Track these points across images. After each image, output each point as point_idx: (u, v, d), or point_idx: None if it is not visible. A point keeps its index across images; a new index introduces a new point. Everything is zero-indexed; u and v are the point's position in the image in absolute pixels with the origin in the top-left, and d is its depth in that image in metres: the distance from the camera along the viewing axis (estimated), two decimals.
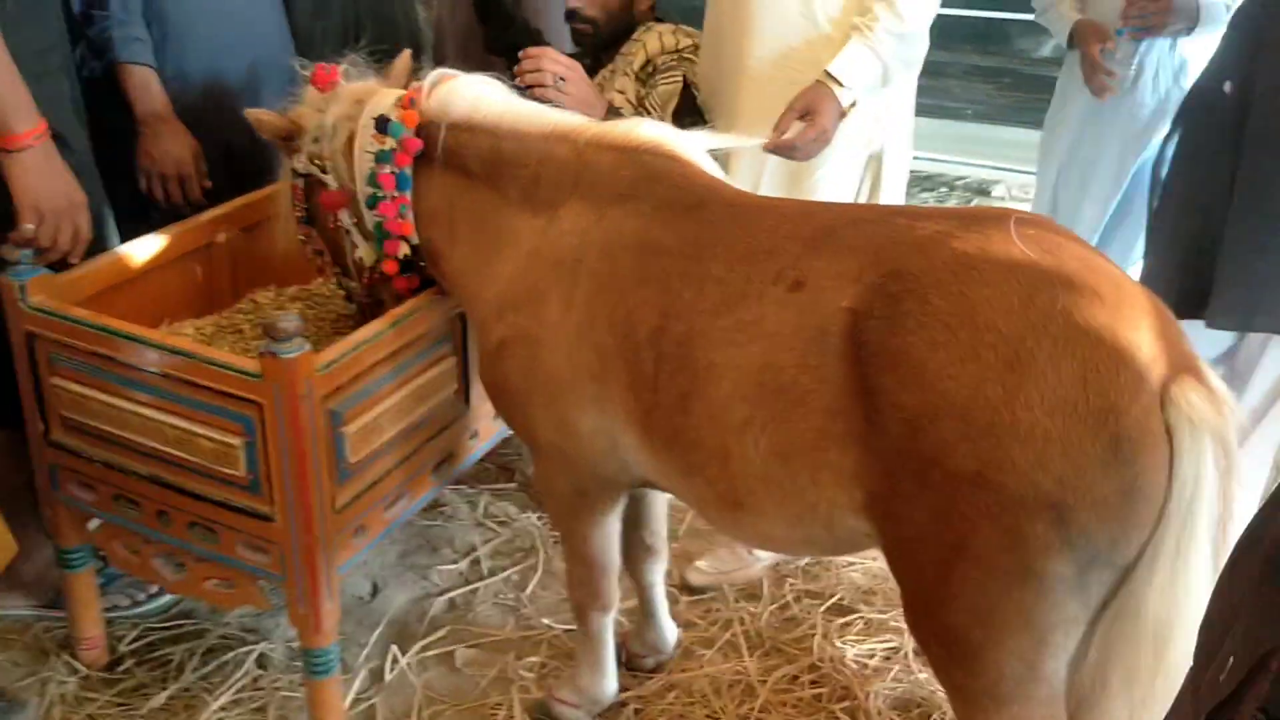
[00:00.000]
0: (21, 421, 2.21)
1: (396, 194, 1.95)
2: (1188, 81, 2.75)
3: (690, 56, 2.54)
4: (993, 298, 1.43)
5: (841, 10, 2.28)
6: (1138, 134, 2.92)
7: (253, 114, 2.04)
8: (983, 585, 1.46)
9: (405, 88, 2.04)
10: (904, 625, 2.39)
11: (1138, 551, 1.42)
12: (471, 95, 1.95)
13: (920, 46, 2.32)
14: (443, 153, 1.94)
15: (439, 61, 2.72)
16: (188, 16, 2.37)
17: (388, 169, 1.93)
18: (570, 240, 1.82)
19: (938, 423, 1.44)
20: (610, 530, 2.05)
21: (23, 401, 2.10)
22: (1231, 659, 0.69)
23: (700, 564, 2.63)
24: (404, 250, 2.01)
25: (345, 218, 2.03)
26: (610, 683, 2.21)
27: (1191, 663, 0.77)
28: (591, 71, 2.57)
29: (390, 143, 1.92)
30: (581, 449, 1.89)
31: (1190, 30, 2.78)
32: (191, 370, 1.88)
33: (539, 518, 2.84)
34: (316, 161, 2.02)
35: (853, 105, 2.24)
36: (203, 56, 2.41)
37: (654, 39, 2.55)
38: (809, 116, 2.17)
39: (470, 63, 2.22)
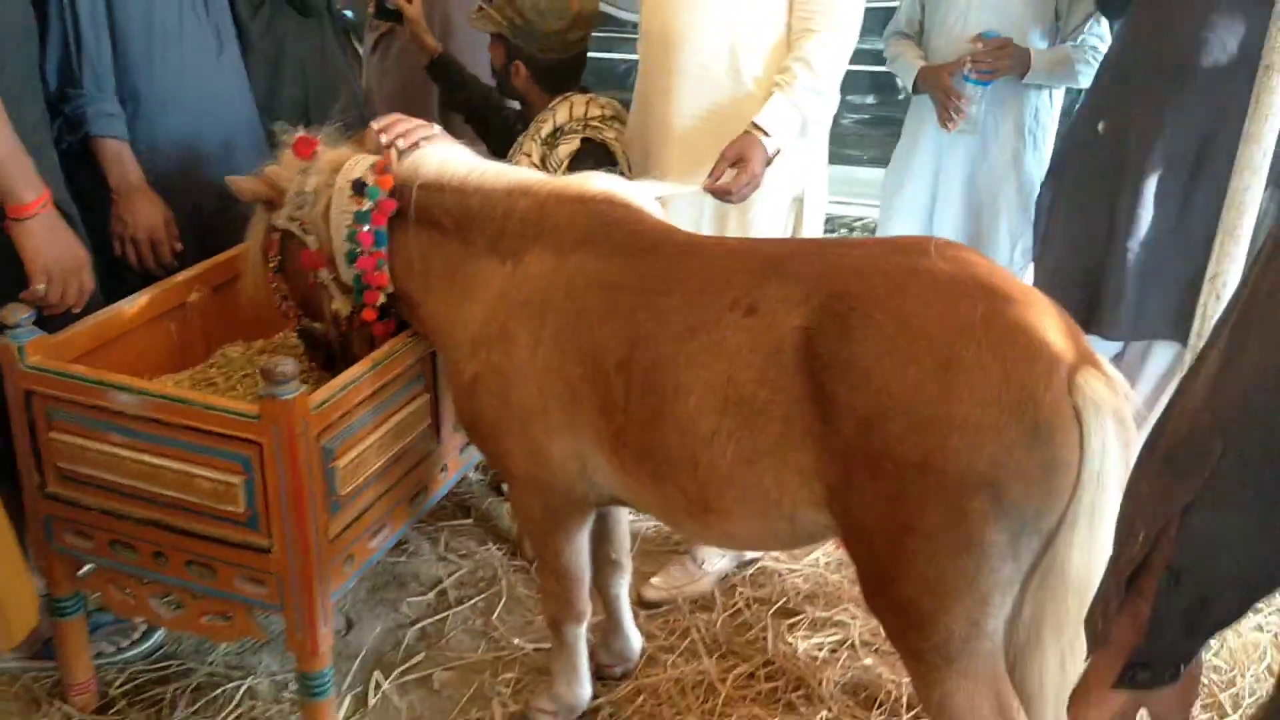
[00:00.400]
0: (10, 480, 2.32)
1: (374, 250, 2.14)
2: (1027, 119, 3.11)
3: (597, 124, 2.73)
4: (924, 310, 1.68)
5: (764, 71, 2.54)
6: (988, 166, 3.20)
7: (233, 181, 2.21)
8: (931, 558, 1.69)
9: (377, 154, 2.23)
10: (848, 620, 2.65)
11: (1059, 518, 1.67)
12: (439, 158, 2.16)
13: (833, 100, 2.59)
14: (415, 211, 2.13)
15: None
16: (160, 93, 2.52)
17: (366, 228, 2.12)
18: (537, 283, 2.03)
19: (886, 420, 1.67)
20: (581, 546, 2.24)
21: (18, 458, 2.21)
22: (1141, 534, 0.92)
23: (655, 580, 2.83)
24: (381, 300, 2.19)
25: (324, 275, 2.21)
26: (585, 689, 2.39)
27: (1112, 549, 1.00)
28: (516, 135, 2.82)
29: (367, 204, 2.11)
30: (554, 473, 2.08)
31: (1021, 75, 3.05)
32: (191, 416, 2.03)
33: (499, 549, 3.01)
34: (296, 222, 2.19)
35: (778, 153, 2.49)
36: (174, 129, 2.56)
37: (565, 109, 2.74)
38: (740, 163, 2.42)
39: None
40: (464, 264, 2.14)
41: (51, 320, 2.21)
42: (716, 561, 2.87)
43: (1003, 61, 3.05)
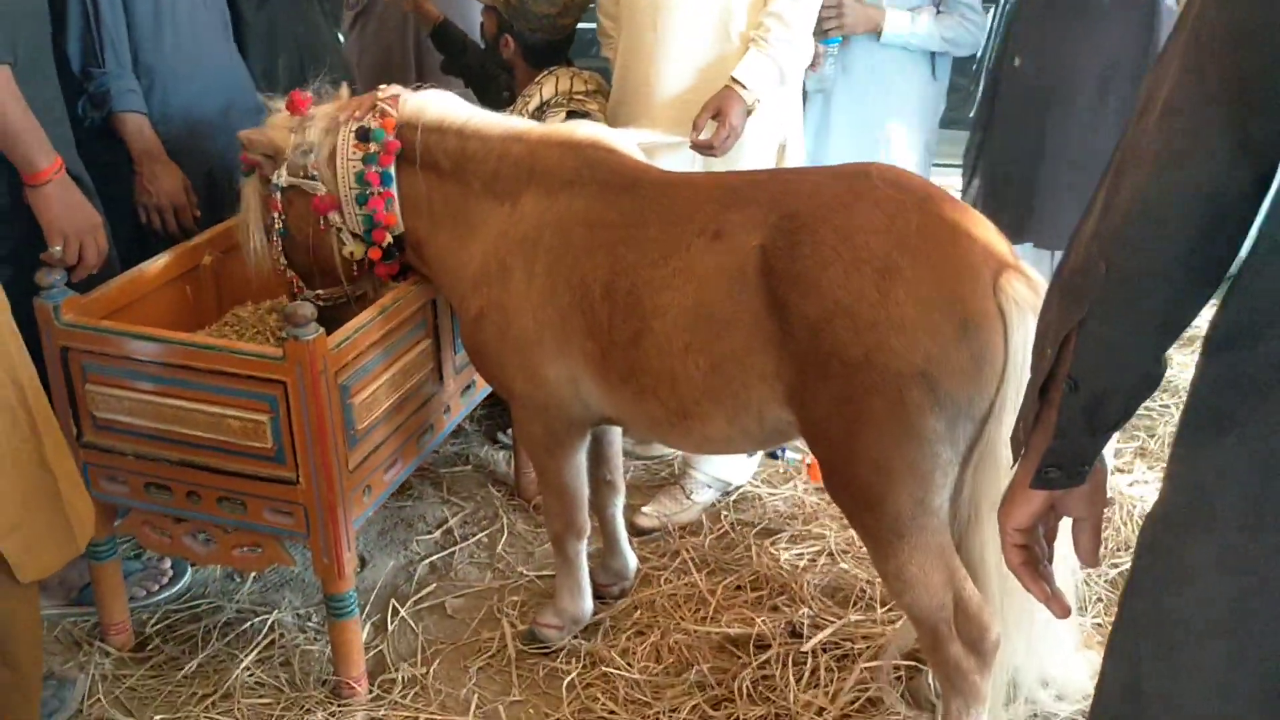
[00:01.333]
0: None
1: (382, 189, 2.34)
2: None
3: (581, 98, 2.91)
4: (864, 225, 1.91)
5: (749, 26, 2.73)
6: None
7: (245, 134, 2.38)
8: (878, 445, 1.92)
9: (360, 106, 2.42)
10: (824, 532, 2.88)
11: (989, 405, 1.90)
12: (439, 105, 2.37)
13: (808, 49, 2.81)
14: (419, 153, 2.34)
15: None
16: (168, 66, 2.72)
17: (374, 168, 2.32)
18: (530, 221, 2.25)
19: (833, 324, 1.90)
20: (579, 465, 2.46)
21: (56, 410, 2.40)
22: (1047, 350, 1.15)
23: (646, 509, 3.06)
24: (388, 239, 2.39)
25: (335, 218, 2.40)
26: (587, 602, 2.61)
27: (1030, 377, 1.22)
28: (507, 103, 3.02)
29: (374, 147, 2.31)
30: (550, 395, 2.31)
31: (877, 35, 3.13)
32: (221, 361, 2.23)
33: (498, 491, 3.23)
34: (303, 174, 2.38)
35: (756, 103, 2.70)
36: (184, 101, 2.76)
37: (550, 84, 2.93)
38: (720, 117, 2.64)
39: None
40: (465, 205, 2.35)
41: (79, 285, 2.41)
42: (703, 492, 3.10)
43: (841, 19, 3.10)
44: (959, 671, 1.99)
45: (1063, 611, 1.28)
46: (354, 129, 2.33)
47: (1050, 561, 1.30)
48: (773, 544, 2.90)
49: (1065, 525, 1.27)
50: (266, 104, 2.50)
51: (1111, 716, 1.25)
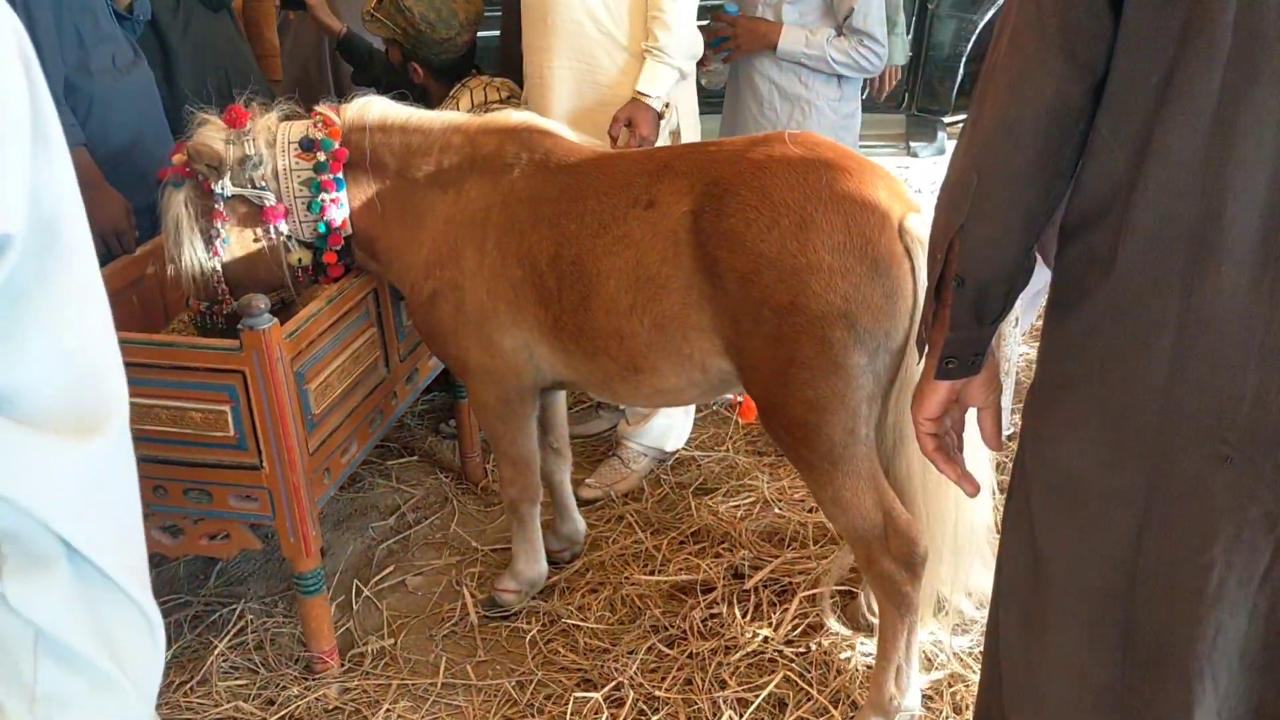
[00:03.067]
0: None
1: (336, 194, 2.47)
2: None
3: (498, 106, 3.04)
4: (780, 183, 2.11)
5: (629, 25, 2.89)
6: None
7: (191, 145, 2.44)
8: (809, 382, 2.11)
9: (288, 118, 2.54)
10: (756, 484, 3.08)
11: (904, 337, 2.11)
12: (379, 107, 2.51)
13: (697, 42, 3.00)
14: (367, 153, 2.47)
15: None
16: (107, 95, 2.81)
17: (326, 176, 2.45)
18: (477, 204, 2.40)
19: (760, 274, 2.09)
20: (530, 433, 2.62)
21: None
22: (937, 255, 1.35)
23: (589, 481, 3.22)
24: (342, 242, 2.52)
25: (284, 228, 2.52)
26: (543, 565, 2.77)
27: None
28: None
29: (322, 155, 2.44)
30: (506, 363, 2.46)
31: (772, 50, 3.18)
32: (180, 356, 2.35)
33: (446, 477, 3.36)
34: (250, 185, 2.48)
35: (666, 107, 2.89)
36: (121, 126, 2.85)
37: (466, 98, 3.09)
38: (632, 126, 2.82)
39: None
40: (412, 197, 2.49)
41: None
42: (640, 461, 3.27)
43: (736, 40, 3.21)
44: (892, 584, 2.19)
45: (973, 489, 1.48)
46: (296, 140, 2.46)
47: (961, 450, 1.50)
48: (710, 499, 3.09)
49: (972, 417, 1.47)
50: (201, 117, 2.58)
51: (1010, 576, 1.45)
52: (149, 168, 2.78)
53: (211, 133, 2.49)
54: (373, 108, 2.51)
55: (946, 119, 5.09)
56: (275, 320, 2.32)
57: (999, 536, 1.50)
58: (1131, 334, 1.20)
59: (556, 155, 2.41)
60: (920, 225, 2.08)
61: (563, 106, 2.98)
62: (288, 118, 2.55)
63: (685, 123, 3.08)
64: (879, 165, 2.21)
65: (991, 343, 1.41)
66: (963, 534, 2.26)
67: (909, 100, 4.85)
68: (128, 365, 2.34)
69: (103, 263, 2.83)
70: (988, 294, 1.33)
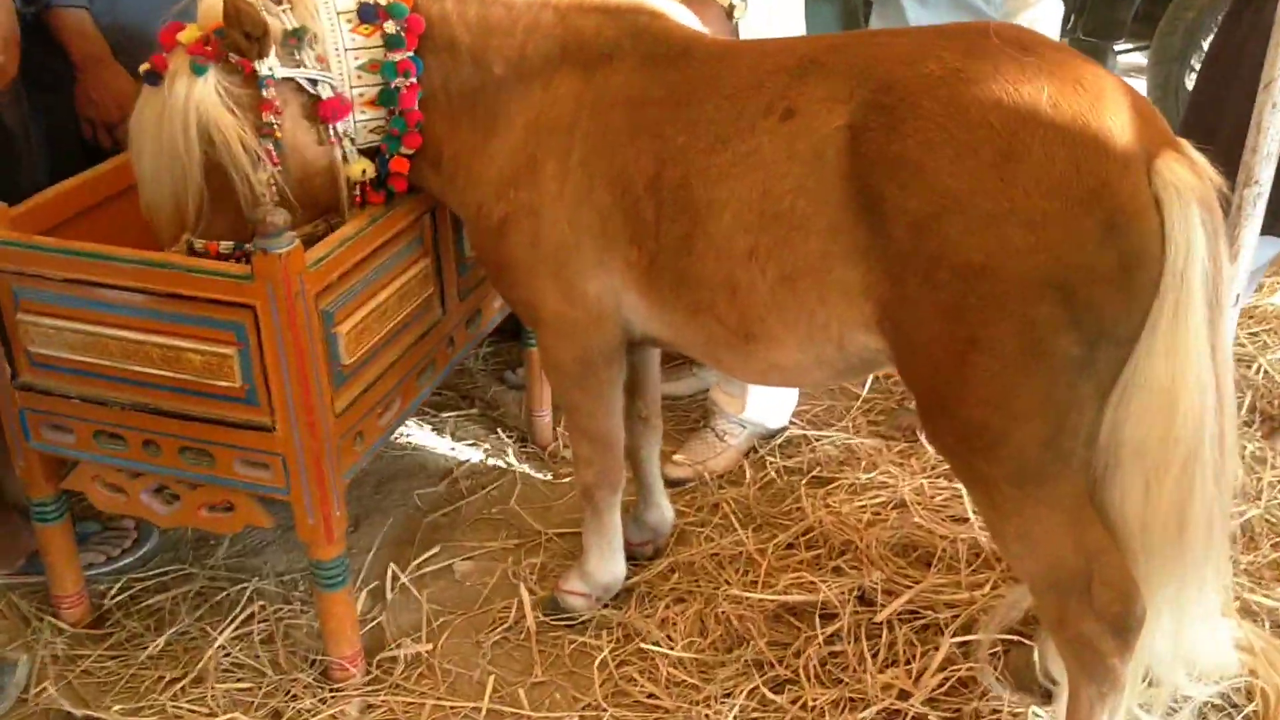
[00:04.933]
0: None
1: (413, 79, 1.90)
2: None
3: None
4: (982, 96, 1.51)
5: None
6: None
7: (232, 3, 1.79)
8: (998, 374, 1.54)
9: None
10: (889, 480, 2.50)
11: (1140, 323, 1.52)
12: None
13: None
14: (436, 25, 1.90)
15: None
16: None
17: (401, 54, 1.88)
18: (565, 106, 1.84)
19: (941, 220, 1.51)
20: (614, 403, 2.07)
21: None
22: None
23: (677, 457, 2.68)
24: (420, 143, 1.95)
25: (342, 128, 1.92)
26: (619, 565, 2.24)
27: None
28: None
29: (393, 26, 1.87)
30: (588, 313, 1.91)
31: None
32: (177, 282, 1.83)
33: (508, 436, 2.84)
34: (299, 67, 1.87)
35: (733, 7, 2.25)
36: None
37: None
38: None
39: None
40: (486, 91, 1.92)
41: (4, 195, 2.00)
42: (738, 434, 2.72)
43: None
44: (1093, 653, 1.62)
45: None
46: (349, 8, 1.89)
47: None
48: (828, 495, 2.52)
49: None
50: None
51: None
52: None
53: None
54: None
55: (1117, 47, 4.39)
56: (297, 243, 1.79)
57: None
58: None
59: (668, 44, 1.83)
60: (1182, 170, 1.47)
61: None
62: None
63: (772, 22, 2.39)
64: (1124, 82, 1.59)
65: None
66: (1189, 592, 1.67)
67: (1074, 20, 4.14)
68: (113, 289, 1.78)
69: (101, 159, 2.35)
70: None
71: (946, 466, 2.41)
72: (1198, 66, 3.42)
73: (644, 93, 1.79)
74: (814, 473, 2.61)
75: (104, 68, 2.28)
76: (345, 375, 1.97)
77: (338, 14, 1.89)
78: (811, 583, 2.22)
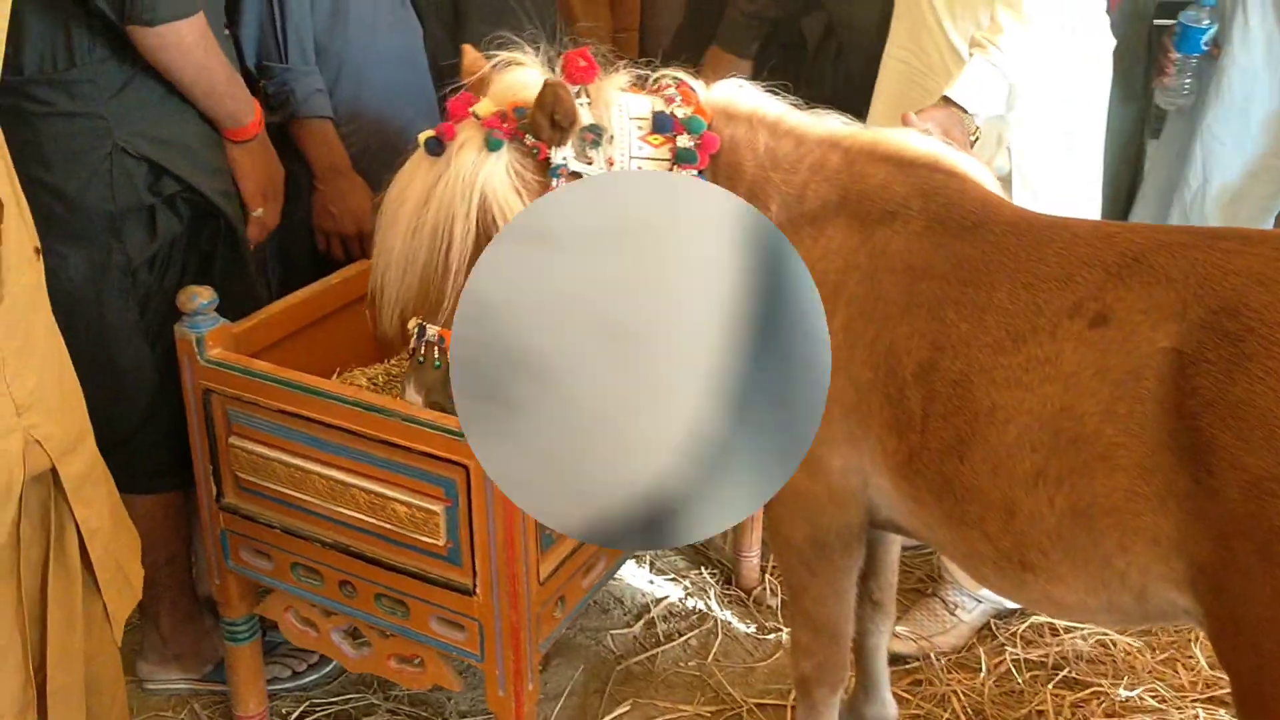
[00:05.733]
0: (180, 485, 2.08)
1: None
2: None
3: None
4: None
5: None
6: None
7: (550, 86, 1.64)
8: None
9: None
10: (1156, 704, 2.15)
11: None
12: (751, 94, 1.74)
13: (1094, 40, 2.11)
14: (725, 149, 1.72)
15: None
16: (362, 58, 2.22)
17: (690, 169, 1.71)
18: (833, 262, 1.62)
19: None
20: (846, 592, 1.82)
21: (194, 463, 1.95)
22: None
23: (899, 629, 2.40)
24: None
25: None
26: None
27: None
28: None
29: (686, 141, 1.71)
30: (829, 489, 1.67)
31: None
32: (390, 429, 1.71)
33: (710, 575, 2.63)
34: (590, 164, 1.71)
35: (978, 132, 1.98)
36: (376, 99, 2.25)
37: None
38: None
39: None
40: None
41: (230, 307, 1.93)
42: (971, 608, 2.42)
43: None
44: None
45: None
46: (642, 114, 1.73)
47: None
48: (1079, 704, 2.19)
49: None
50: (503, 56, 1.76)
51: None
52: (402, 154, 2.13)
53: (528, 77, 1.74)
54: (745, 92, 1.75)
55: None
56: None
57: None
58: None
59: (961, 210, 1.59)
60: None
61: (881, 106, 2.31)
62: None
63: (1046, 176, 2.13)
64: None
65: None
66: None
67: None
68: (324, 425, 1.76)
69: (337, 266, 2.29)
70: None
71: (1227, 688, 2.05)
72: None
73: (927, 263, 1.55)
74: (1063, 672, 2.28)
75: (344, 179, 2.21)
76: (553, 538, 1.80)
77: (630, 119, 1.73)
78: None
